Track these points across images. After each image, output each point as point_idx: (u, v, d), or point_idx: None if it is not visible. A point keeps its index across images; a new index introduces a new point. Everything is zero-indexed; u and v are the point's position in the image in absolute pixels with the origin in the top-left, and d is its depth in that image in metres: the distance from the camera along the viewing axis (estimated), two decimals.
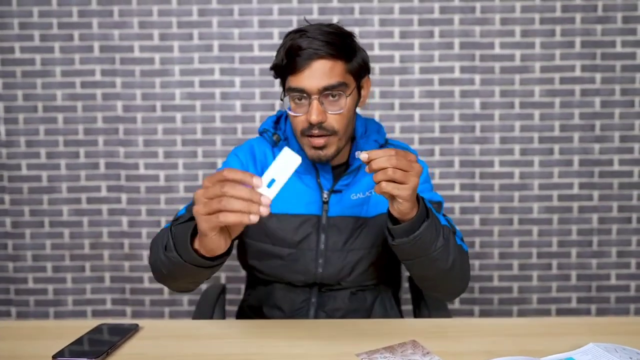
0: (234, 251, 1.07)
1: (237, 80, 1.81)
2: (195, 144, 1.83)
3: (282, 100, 1.00)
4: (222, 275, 1.88)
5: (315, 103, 0.94)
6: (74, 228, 1.86)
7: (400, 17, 1.79)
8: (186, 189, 1.84)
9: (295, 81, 0.95)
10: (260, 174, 1.06)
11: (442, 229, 0.88)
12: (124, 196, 1.84)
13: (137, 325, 0.90)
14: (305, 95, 0.95)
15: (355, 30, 1.79)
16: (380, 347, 0.83)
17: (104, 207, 1.85)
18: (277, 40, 1.80)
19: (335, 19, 1.78)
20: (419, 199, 0.85)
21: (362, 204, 1.05)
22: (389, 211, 0.85)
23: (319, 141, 0.97)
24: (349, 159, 1.07)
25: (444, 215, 1.03)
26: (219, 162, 1.84)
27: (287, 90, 0.98)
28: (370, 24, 1.79)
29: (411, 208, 0.81)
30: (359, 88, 1.02)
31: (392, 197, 0.80)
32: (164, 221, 1.85)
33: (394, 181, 0.77)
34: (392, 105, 1.82)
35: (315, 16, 1.78)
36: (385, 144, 1.10)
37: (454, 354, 0.80)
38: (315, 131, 0.96)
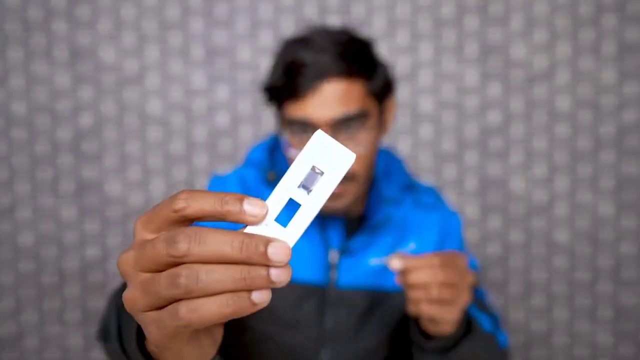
0: None
1: (223, 88, 1.59)
2: (174, 161, 1.61)
3: (279, 134, 0.75)
4: None
5: None
6: (35, 256, 1.63)
7: (408, 17, 1.58)
8: None
9: (298, 109, 0.70)
10: None
11: (487, 340, 0.66)
12: (92, 220, 1.62)
13: None
14: (310, 127, 0.71)
15: (357, 31, 1.57)
16: None
17: (71, 233, 1.62)
18: (270, 43, 1.58)
19: (334, 19, 1.57)
20: None
21: (383, 272, 0.79)
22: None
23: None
24: (366, 209, 0.80)
25: (479, 290, 0.80)
26: (202, 181, 1.61)
27: (287, 122, 0.72)
28: (374, 24, 1.58)
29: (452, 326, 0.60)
30: (380, 113, 0.76)
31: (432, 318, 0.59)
32: None
33: (438, 301, 0.55)
34: (398, 117, 1.60)
35: (312, 15, 1.57)
36: (411, 187, 0.85)
37: None
38: None
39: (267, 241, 0.28)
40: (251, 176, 0.81)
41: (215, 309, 0.28)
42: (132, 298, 0.30)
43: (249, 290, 0.28)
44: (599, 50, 1.59)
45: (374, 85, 0.73)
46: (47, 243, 1.62)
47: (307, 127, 0.70)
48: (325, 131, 0.69)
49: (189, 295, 0.28)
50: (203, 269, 0.28)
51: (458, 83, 1.59)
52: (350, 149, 0.70)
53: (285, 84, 0.70)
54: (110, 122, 1.60)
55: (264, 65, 1.58)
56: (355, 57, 0.70)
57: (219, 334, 0.35)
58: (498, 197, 1.62)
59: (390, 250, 0.80)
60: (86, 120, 1.60)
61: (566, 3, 1.57)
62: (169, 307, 0.29)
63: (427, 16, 1.58)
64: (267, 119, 1.59)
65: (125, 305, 0.31)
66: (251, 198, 0.29)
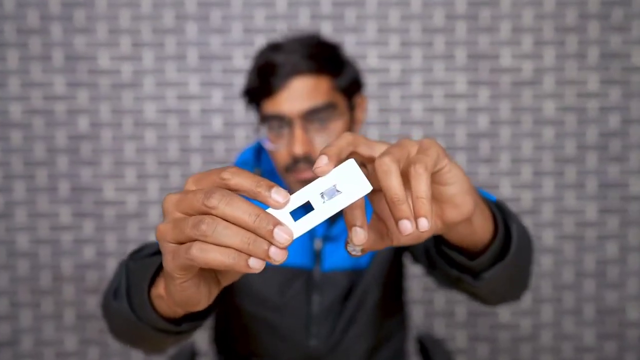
0: None
1: (217, 93, 1.62)
2: (169, 165, 1.64)
3: (257, 132, 0.81)
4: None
5: (297, 131, 0.76)
6: (31, 259, 1.64)
7: (399, 25, 1.62)
8: (159, 215, 1.64)
9: (271, 105, 0.77)
10: None
11: (519, 221, 0.57)
12: (88, 223, 1.64)
13: None
14: (284, 122, 0.77)
15: (352, 39, 1.61)
16: None
17: (66, 236, 1.64)
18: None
19: (326, 27, 1.60)
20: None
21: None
22: (436, 244, 0.56)
23: (307, 174, 0.77)
24: None
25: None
26: None
27: (264, 119, 0.79)
28: (366, 31, 1.61)
29: (474, 206, 0.44)
30: (351, 108, 0.83)
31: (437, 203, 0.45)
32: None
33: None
34: (389, 122, 1.64)
35: (304, 22, 1.60)
36: None
37: None
38: (302, 166, 0.77)
39: (276, 223, 0.34)
40: None
41: (218, 256, 0.34)
42: (164, 230, 0.37)
43: (249, 255, 0.34)
44: (583, 58, 1.63)
45: (341, 81, 0.80)
46: (44, 245, 1.64)
47: (281, 121, 0.77)
48: (297, 122, 0.76)
49: (204, 239, 0.35)
50: (222, 224, 0.34)
51: (448, 89, 1.63)
52: (320, 138, 0.78)
53: (260, 85, 0.78)
54: (107, 126, 1.62)
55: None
56: (321, 56, 0.78)
57: (215, 290, 0.42)
58: None
59: None
60: (82, 124, 1.62)
61: (552, 12, 1.62)
62: (187, 244, 0.36)
63: (418, 24, 1.62)
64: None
65: (157, 235, 0.38)
66: (279, 188, 0.36)
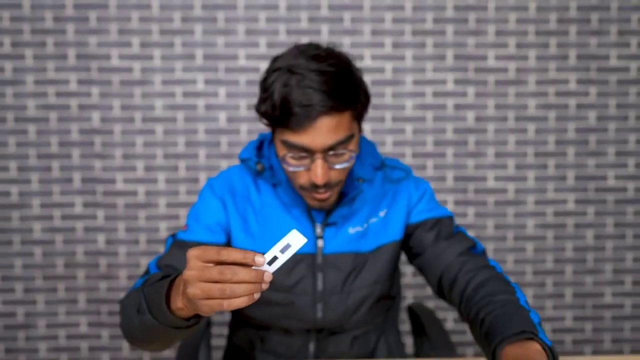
0: None
1: (222, 90, 1.73)
2: (177, 158, 1.74)
3: (272, 142, 0.87)
4: None
5: (320, 162, 0.81)
6: (46, 246, 1.74)
7: (392, 28, 1.73)
8: (167, 205, 1.75)
9: (295, 137, 0.81)
10: (241, 207, 0.95)
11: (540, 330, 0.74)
12: (100, 212, 1.74)
13: None
14: (307, 151, 0.82)
15: (348, 40, 1.72)
16: None
17: (79, 225, 1.74)
18: (263, 50, 1.72)
19: (324, 29, 1.71)
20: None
21: (361, 238, 0.95)
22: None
23: (324, 196, 0.86)
24: (343, 188, 0.96)
25: (457, 227, 0.96)
26: (202, 176, 1.75)
27: (283, 142, 0.83)
28: (361, 33, 1.73)
29: None
30: (360, 126, 0.90)
31: None
32: (143, 239, 1.75)
33: None
34: (384, 118, 1.75)
35: (303, 25, 1.71)
36: (381, 166, 1.00)
37: None
38: (321, 190, 0.85)
39: (262, 274, 0.57)
40: (239, 173, 0.98)
41: (238, 302, 0.57)
42: (195, 294, 0.58)
43: (253, 293, 0.57)
44: (564, 59, 1.76)
45: (358, 110, 0.85)
46: (58, 233, 1.74)
47: (304, 150, 0.82)
48: (320, 155, 0.83)
49: (227, 297, 0.57)
50: (234, 287, 0.56)
51: (437, 87, 1.75)
52: (339, 164, 0.85)
53: (281, 116, 0.80)
54: (117, 121, 1.72)
55: (261, 68, 1.72)
56: (342, 92, 0.80)
57: None
58: (473, 192, 1.78)
59: (366, 219, 0.96)
60: (95, 119, 1.72)
61: (535, 17, 1.74)
62: (215, 301, 0.57)
63: (410, 27, 1.73)
64: (259, 120, 1.73)
65: (190, 296, 0.58)
66: (258, 255, 0.58)
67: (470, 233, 1.79)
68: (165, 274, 0.75)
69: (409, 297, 1.79)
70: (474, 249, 0.92)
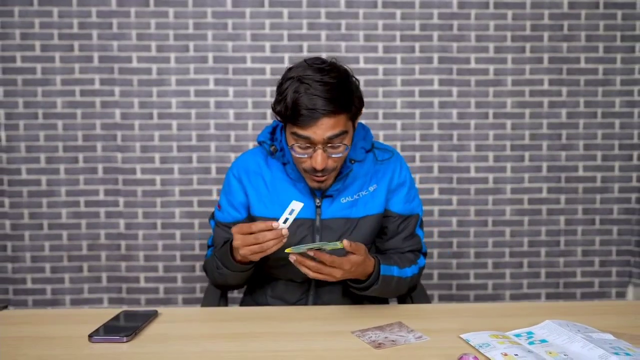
0: None
1: (231, 90, 1.92)
2: (190, 150, 1.93)
3: (283, 130, 1.12)
4: None
5: (320, 152, 1.04)
6: (72, 230, 1.93)
7: (384, 33, 1.93)
8: (181, 192, 1.94)
9: (302, 131, 1.04)
10: (254, 181, 1.18)
11: (391, 280, 1.10)
12: (121, 199, 1.93)
13: (156, 311, 1.01)
14: (310, 142, 1.05)
15: (344, 45, 1.92)
16: (372, 326, 0.95)
17: (102, 210, 1.93)
18: (268, 53, 1.91)
19: (323, 35, 1.91)
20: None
21: (352, 206, 1.16)
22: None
23: (321, 179, 1.09)
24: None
25: (421, 227, 1.21)
26: (213, 167, 1.94)
27: (292, 133, 1.06)
28: (356, 39, 1.92)
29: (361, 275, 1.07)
30: (354, 124, 1.12)
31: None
32: (159, 223, 1.94)
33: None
34: (377, 115, 1.95)
35: (304, 31, 1.91)
36: (371, 149, 1.21)
37: (433, 330, 0.93)
38: (319, 174, 1.07)
39: (281, 231, 0.96)
40: (252, 156, 1.22)
41: (271, 251, 0.98)
42: (245, 253, 1.00)
43: (279, 244, 0.98)
44: (538, 62, 1.96)
45: (352, 112, 1.08)
46: (82, 218, 1.93)
47: (309, 141, 1.05)
48: (320, 146, 1.05)
49: (263, 250, 0.98)
50: (264, 244, 0.97)
51: (424, 87, 1.95)
52: (335, 154, 1.07)
53: (291, 115, 1.04)
54: (137, 117, 1.92)
55: (266, 70, 1.91)
56: (340, 99, 1.03)
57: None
58: (456, 181, 1.98)
59: (355, 192, 1.17)
60: (116, 115, 1.91)
61: (512, 24, 1.94)
62: (257, 253, 1.00)
63: (399, 34, 1.93)
64: (264, 116, 1.93)
65: (242, 254, 1.00)
66: (275, 223, 0.96)
67: (454, 219, 1.99)
68: (224, 241, 1.14)
69: None
70: (419, 251, 1.22)
